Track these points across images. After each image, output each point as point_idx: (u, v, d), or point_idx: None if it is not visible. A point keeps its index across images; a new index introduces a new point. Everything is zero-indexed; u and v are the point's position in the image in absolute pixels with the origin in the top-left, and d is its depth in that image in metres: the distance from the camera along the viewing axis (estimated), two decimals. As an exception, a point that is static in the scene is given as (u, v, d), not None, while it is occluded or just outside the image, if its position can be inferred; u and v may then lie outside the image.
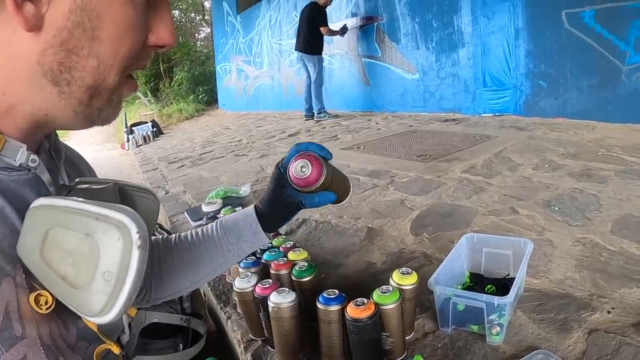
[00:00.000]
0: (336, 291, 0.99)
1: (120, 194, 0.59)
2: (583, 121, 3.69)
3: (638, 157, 2.45)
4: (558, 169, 2.40)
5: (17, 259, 0.51)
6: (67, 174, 0.65)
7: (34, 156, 0.55)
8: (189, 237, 0.90)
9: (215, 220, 0.90)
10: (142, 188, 0.68)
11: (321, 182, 0.76)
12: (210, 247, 0.88)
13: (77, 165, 0.74)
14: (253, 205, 0.87)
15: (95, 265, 0.47)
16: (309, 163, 0.75)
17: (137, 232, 0.47)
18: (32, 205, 0.52)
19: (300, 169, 0.76)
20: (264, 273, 1.25)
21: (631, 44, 3.37)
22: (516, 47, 4.25)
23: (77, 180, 0.60)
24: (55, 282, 0.50)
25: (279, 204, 0.83)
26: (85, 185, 0.58)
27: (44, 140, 0.62)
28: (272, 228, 0.87)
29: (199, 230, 0.90)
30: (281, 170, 0.80)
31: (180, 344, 1.35)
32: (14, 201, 0.54)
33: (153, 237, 0.95)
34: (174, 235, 0.93)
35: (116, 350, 0.65)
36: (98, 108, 0.55)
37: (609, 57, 3.52)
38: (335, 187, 0.81)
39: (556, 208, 1.84)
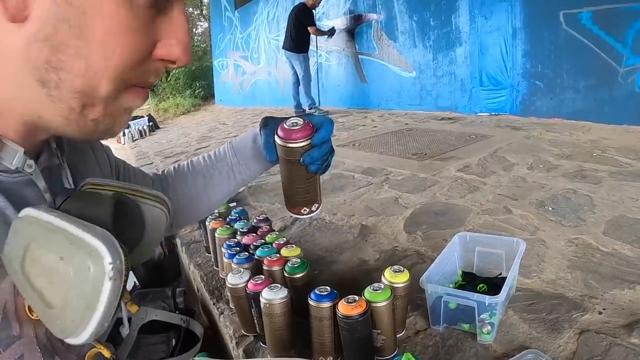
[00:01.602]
0: (328, 288, 0.99)
1: (124, 202, 0.56)
2: (579, 122, 3.70)
3: (632, 159, 2.46)
4: (552, 169, 2.41)
5: None
6: (75, 167, 0.65)
7: (30, 161, 0.53)
8: (201, 161, 0.92)
9: (227, 143, 0.91)
10: (153, 195, 0.63)
11: (296, 145, 0.74)
12: (223, 169, 0.89)
13: (85, 156, 0.73)
14: (258, 127, 0.85)
15: (67, 289, 0.45)
16: (302, 125, 0.74)
17: (110, 263, 0.44)
18: (19, 215, 0.50)
19: (291, 122, 0.75)
20: (256, 269, 1.24)
21: (628, 46, 3.38)
22: (513, 47, 4.25)
23: (86, 181, 0.57)
24: (32, 297, 0.48)
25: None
26: (89, 187, 0.55)
27: (50, 139, 0.60)
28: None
29: (211, 152, 0.92)
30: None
31: (173, 339, 1.35)
32: (16, 202, 0.53)
33: (165, 170, 0.96)
34: (185, 161, 0.94)
35: (106, 354, 0.64)
36: (93, 120, 0.50)
37: (606, 59, 3.53)
38: (303, 175, 0.78)
39: (550, 208, 1.84)
